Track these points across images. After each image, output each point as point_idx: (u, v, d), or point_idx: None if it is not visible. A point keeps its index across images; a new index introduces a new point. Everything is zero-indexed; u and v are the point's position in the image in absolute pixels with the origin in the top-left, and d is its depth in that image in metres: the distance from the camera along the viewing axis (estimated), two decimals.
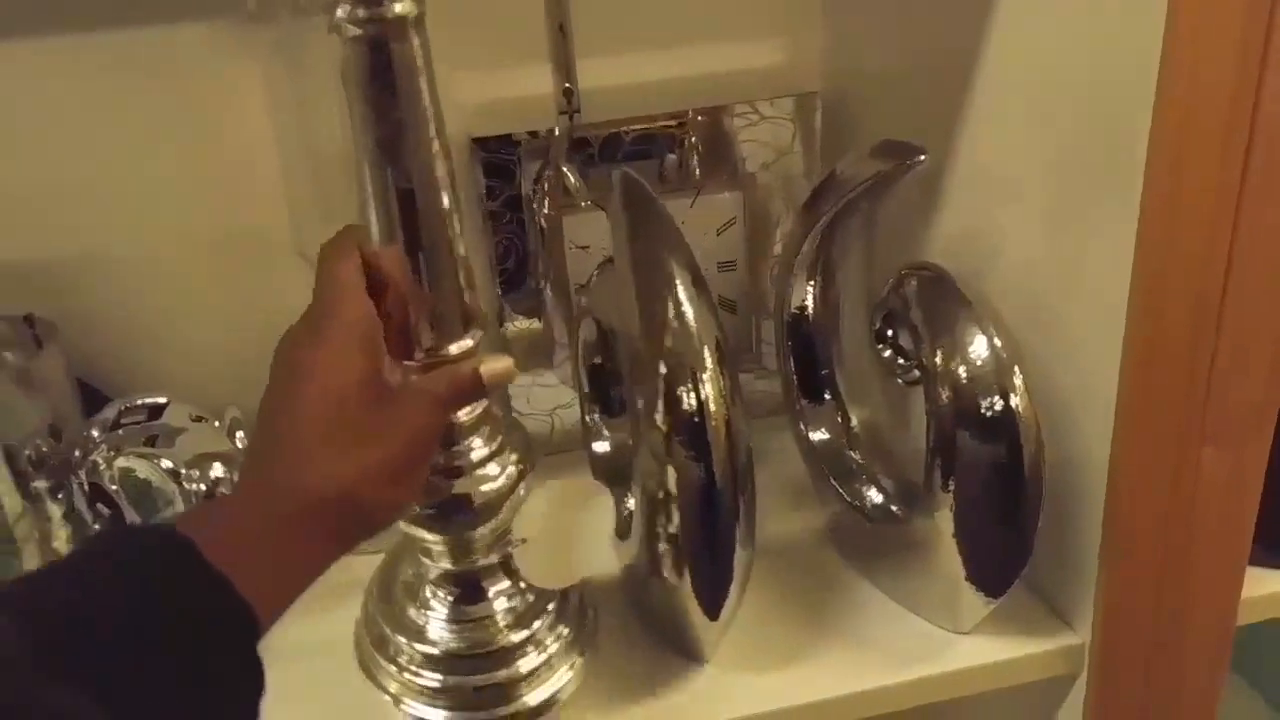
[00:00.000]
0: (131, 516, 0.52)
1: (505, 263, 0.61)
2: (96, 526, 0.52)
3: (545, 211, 0.60)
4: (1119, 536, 0.43)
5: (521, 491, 0.45)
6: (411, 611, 0.47)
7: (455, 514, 0.43)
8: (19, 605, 0.28)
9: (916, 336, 0.45)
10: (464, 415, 0.43)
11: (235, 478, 0.52)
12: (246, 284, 0.63)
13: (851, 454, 0.53)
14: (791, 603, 0.51)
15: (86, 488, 0.53)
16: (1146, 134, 0.37)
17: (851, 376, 0.53)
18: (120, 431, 0.54)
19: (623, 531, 0.50)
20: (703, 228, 0.61)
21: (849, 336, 0.52)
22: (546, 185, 0.59)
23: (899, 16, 0.56)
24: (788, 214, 0.62)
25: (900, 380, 0.48)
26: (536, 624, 0.47)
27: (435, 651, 0.46)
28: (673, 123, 0.60)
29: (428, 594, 0.47)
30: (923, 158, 0.45)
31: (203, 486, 0.52)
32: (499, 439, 0.44)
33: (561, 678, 0.47)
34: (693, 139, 0.60)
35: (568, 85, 0.62)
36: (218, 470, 0.52)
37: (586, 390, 0.55)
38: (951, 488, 0.43)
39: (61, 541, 0.55)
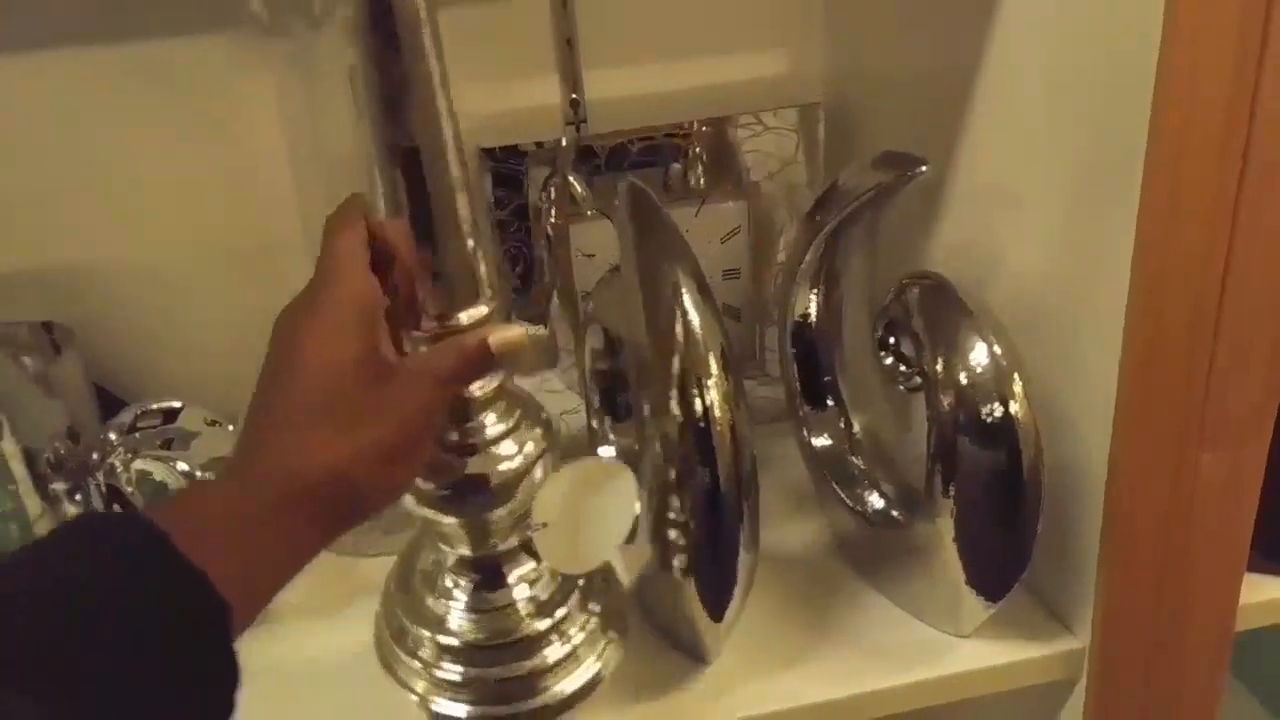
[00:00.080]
0: None
1: (513, 270, 0.61)
2: None
3: (552, 220, 0.61)
4: (1118, 541, 0.44)
5: (539, 472, 0.43)
6: (430, 601, 0.46)
7: (470, 495, 0.42)
8: None
9: (918, 344, 0.46)
10: (478, 390, 0.41)
11: None
12: (260, 291, 0.63)
13: (854, 460, 0.53)
14: (794, 605, 0.51)
15: (104, 490, 0.54)
16: (1144, 143, 0.38)
17: (854, 383, 0.54)
18: (137, 435, 0.55)
19: (629, 534, 0.51)
20: (707, 236, 0.62)
21: (851, 344, 0.53)
22: (553, 194, 0.60)
23: (900, 28, 0.57)
24: (791, 223, 0.63)
25: (902, 387, 0.48)
26: (561, 611, 0.45)
27: (455, 643, 0.45)
28: (678, 133, 0.60)
29: (447, 582, 0.46)
30: (924, 168, 0.45)
31: None
32: (515, 415, 0.43)
33: (589, 669, 0.45)
34: (697, 149, 0.61)
35: (574, 96, 0.63)
36: None
37: (593, 396, 0.56)
38: (952, 493, 0.44)
39: None
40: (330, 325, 0.33)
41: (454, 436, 0.41)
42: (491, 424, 0.42)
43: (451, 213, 0.38)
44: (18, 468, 0.53)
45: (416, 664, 0.45)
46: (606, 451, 0.55)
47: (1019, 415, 0.42)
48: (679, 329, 0.42)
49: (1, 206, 0.60)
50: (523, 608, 0.45)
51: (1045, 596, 0.49)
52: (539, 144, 0.59)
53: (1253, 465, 0.42)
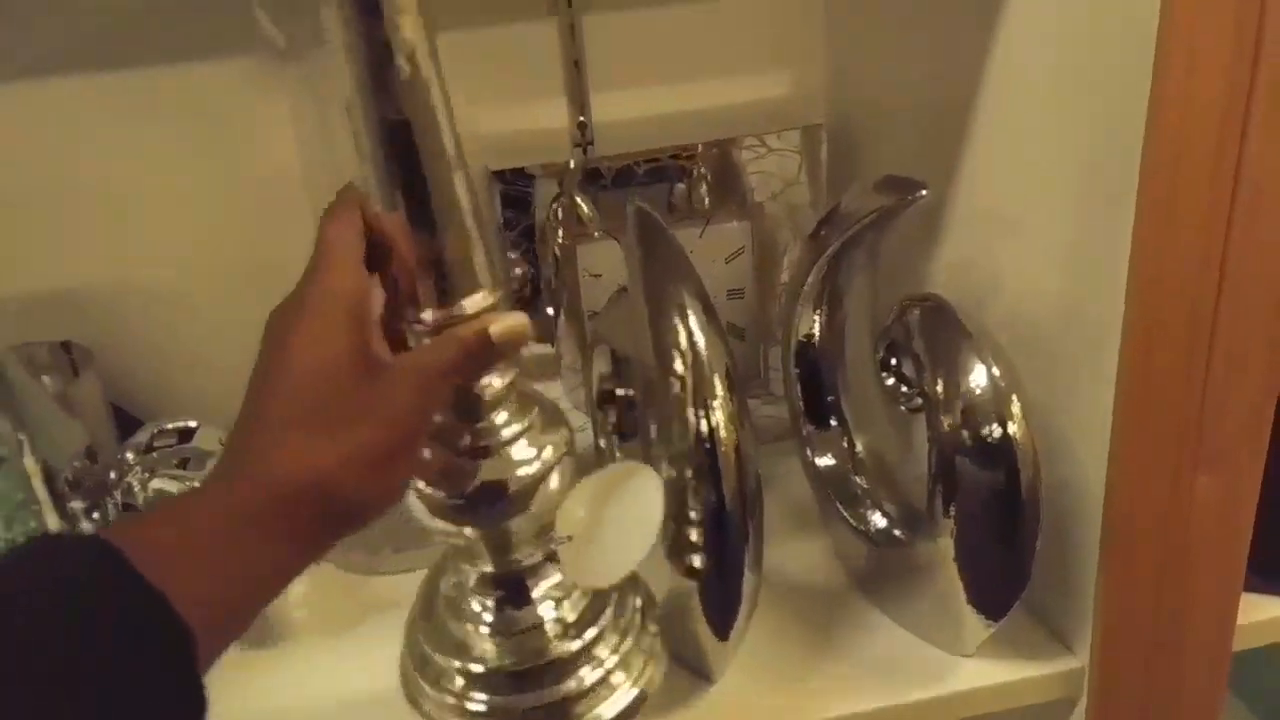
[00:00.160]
0: None
1: (520, 291, 0.62)
2: None
3: (560, 240, 0.61)
4: (1116, 561, 0.44)
5: (559, 478, 0.40)
6: (453, 626, 0.43)
7: (486, 502, 0.39)
8: None
9: (918, 365, 0.46)
10: (487, 386, 0.38)
11: None
12: None
13: (857, 479, 0.54)
14: (798, 624, 0.52)
15: (121, 508, 0.55)
16: (1138, 170, 0.38)
17: (857, 403, 0.54)
18: (154, 454, 0.56)
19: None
20: (712, 256, 0.63)
21: (854, 364, 0.53)
22: (561, 215, 0.61)
23: (901, 52, 0.58)
24: (795, 243, 0.63)
25: (903, 408, 0.49)
26: (592, 631, 0.42)
27: (481, 669, 0.42)
28: (683, 155, 0.61)
29: (469, 605, 0.43)
30: (924, 193, 0.46)
31: None
32: (531, 416, 0.40)
33: (627, 692, 0.42)
34: (702, 170, 0.62)
35: (582, 119, 0.63)
36: None
37: (600, 414, 0.56)
38: (952, 513, 0.44)
39: None
40: (316, 321, 0.31)
41: (465, 440, 0.38)
42: (506, 425, 0.39)
43: (448, 191, 0.35)
44: (38, 486, 0.54)
45: (441, 695, 0.43)
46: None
47: (1017, 436, 0.42)
48: (685, 350, 0.43)
49: (22, 228, 0.61)
50: (551, 628, 0.42)
51: (1046, 616, 0.50)
52: (547, 166, 0.60)
53: (1248, 487, 0.42)
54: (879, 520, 0.52)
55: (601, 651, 0.42)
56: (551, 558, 0.42)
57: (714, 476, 0.42)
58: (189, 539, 0.29)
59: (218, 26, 0.58)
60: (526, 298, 0.63)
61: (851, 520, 0.53)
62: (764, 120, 0.63)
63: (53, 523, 0.55)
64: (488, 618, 0.43)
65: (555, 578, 0.43)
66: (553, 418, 0.41)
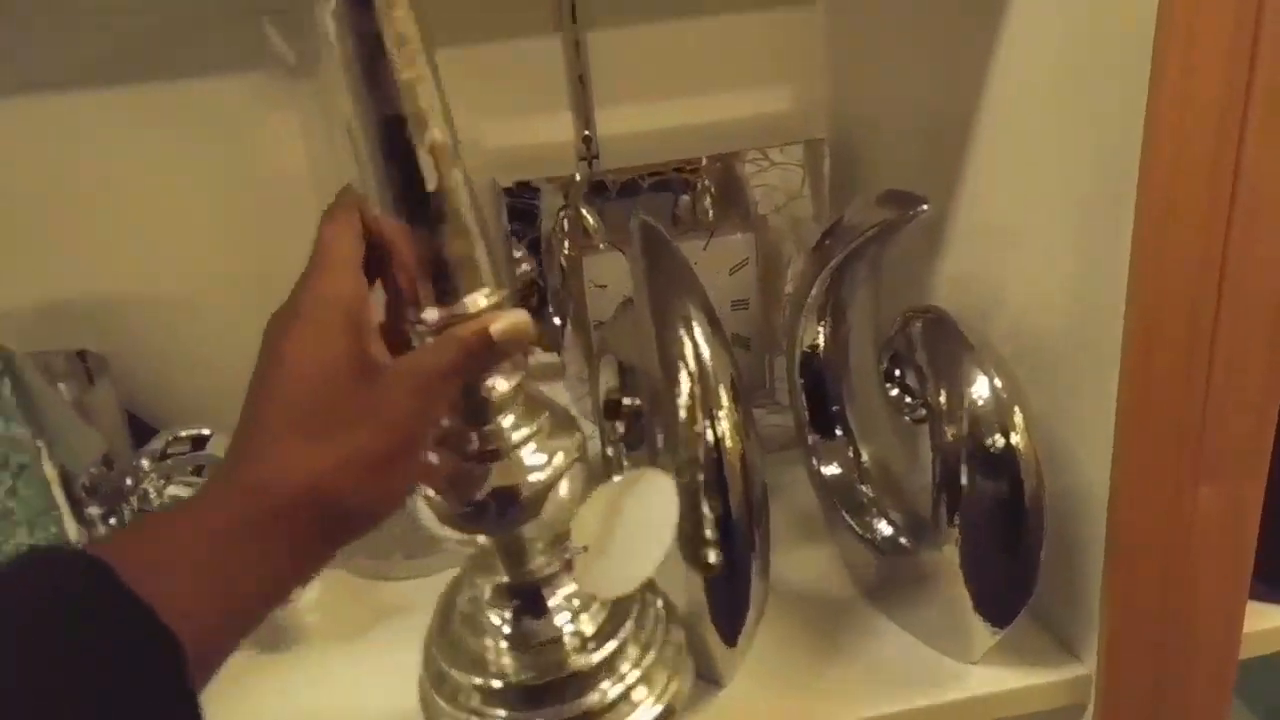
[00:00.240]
0: None
1: (528, 301, 0.63)
2: None
3: (566, 252, 0.62)
4: (1120, 570, 0.44)
5: (569, 484, 0.39)
6: (469, 641, 0.42)
7: (497, 508, 0.38)
8: None
9: (921, 376, 0.47)
10: (494, 388, 0.37)
11: None
12: None
13: (862, 488, 0.54)
14: (805, 630, 0.52)
15: (137, 514, 0.55)
16: (1135, 184, 0.39)
17: (862, 413, 0.54)
18: (169, 461, 0.57)
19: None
20: (716, 268, 0.63)
21: (858, 374, 0.54)
22: (567, 227, 0.62)
23: (902, 68, 0.58)
24: (798, 255, 0.64)
25: (907, 418, 0.49)
26: (612, 644, 0.41)
27: (498, 684, 0.41)
28: (687, 168, 0.62)
29: (486, 619, 0.42)
30: (925, 207, 0.46)
31: None
32: (541, 419, 0.39)
33: (651, 708, 0.41)
34: (706, 183, 0.62)
35: (587, 133, 0.64)
36: None
37: (606, 424, 0.57)
38: (957, 522, 0.45)
39: None
40: (310, 326, 0.31)
41: (474, 444, 0.37)
42: (515, 429, 0.38)
43: (445, 188, 0.34)
44: (58, 493, 0.54)
45: (459, 712, 0.42)
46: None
47: (1020, 446, 0.43)
48: (690, 361, 0.43)
49: (39, 239, 0.62)
50: (570, 641, 0.41)
51: (1052, 624, 0.50)
52: (553, 179, 0.61)
53: (1251, 497, 0.43)
54: (885, 529, 0.53)
55: (623, 665, 0.41)
56: (567, 568, 0.41)
57: (721, 485, 0.43)
58: (180, 551, 0.28)
59: (231, 44, 0.59)
60: (533, 307, 0.63)
61: (857, 529, 0.53)
62: (767, 134, 0.64)
63: (71, 529, 0.56)
64: (505, 631, 0.42)
65: (572, 588, 0.42)
66: (564, 422, 0.40)
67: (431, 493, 0.39)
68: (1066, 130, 0.44)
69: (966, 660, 0.49)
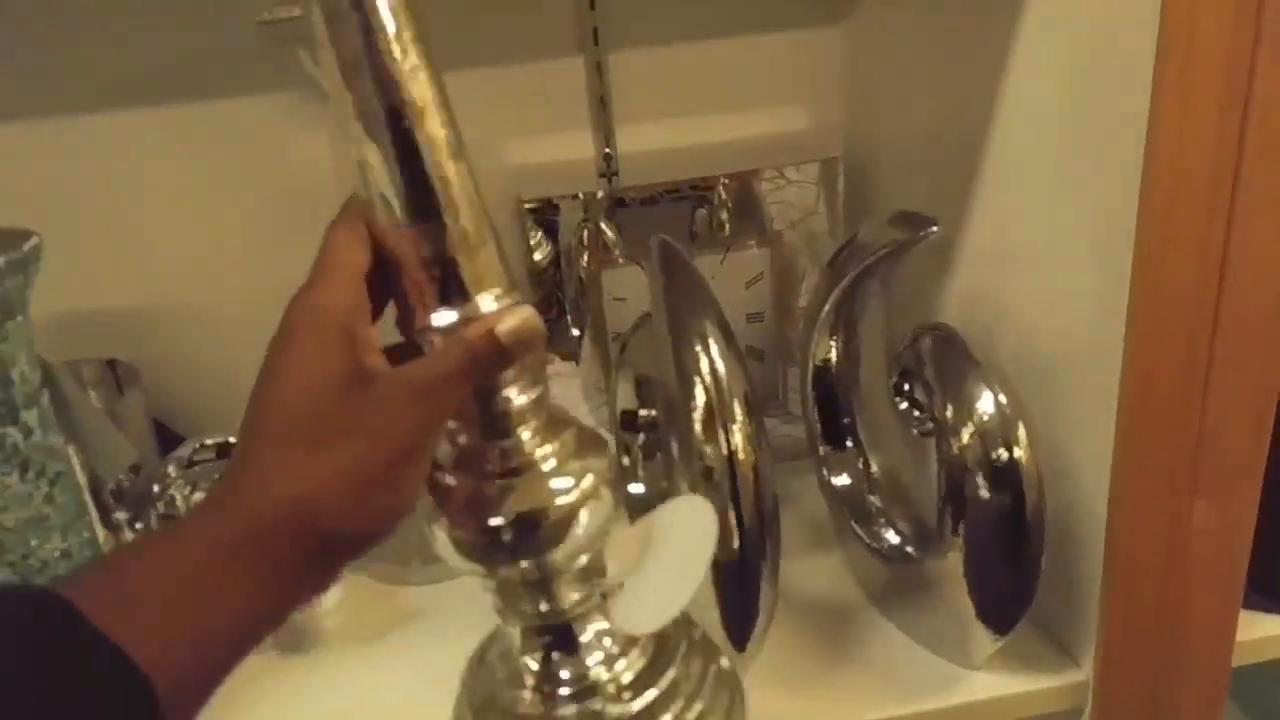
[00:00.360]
0: None
1: (547, 315, 0.65)
2: None
3: (585, 265, 0.64)
4: (1118, 580, 0.46)
5: (596, 510, 0.34)
6: (499, 693, 0.38)
7: (516, 533, 0.33)
8: None
9: (930, 391, 0.48)
10: (513, 399, 0.33)
11: None
12: None
13: (871, 498, 0.55)
14: (813, 636, 0.53)
15: (162, 519, 0.57)
16: (1135, 209, 0.40)
17: (872, 425, 0.56)
18: (195, 468, 0.58)
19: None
20: (733, 281, 0.65)
21: (869, 388, 0.55)
22: (586, 242, 0.63)
23: (915, 90, 0.60)
24: (812, 270, 0.66)
25: (916, 431, 0.51)
26: (653, 693, 0.37)
27: None
28: (704, 186, 0.63)
29: (515, 666, 0.38)
30: (935, 229, 0.48)
31: None
32: (566, 436, 0.35)
33: None
34: (724, 198, 0.64)
35: (608, 151, 0.66)
36: None
37: (623, 435, 0.58)
38: (961, 532, 0.46)
39: None
40: (301, 336, 0.29)
41: (492, 462, 0.34)
42: (537, 445, 0.34)
43: (445, 182, 0.31)
44: (88, 500, 0.56)
45: None
46: (635, 488, 0.57)
47: (1023, 460, 0.44)
48: (706, 376, 0.45)
49: (72, 251, 0.63)
50: (607, 688, 0.36)
51: (1052, 631, 0.51)
52: (574, 195, 0.62)
53: (1244, 510, 0.44)
54: (892, 538, 0.54)
55: (666, 716, 0.37)
56: (601, 609, 0.37)
57: (734, 494, 0.44)
58: (153, 583, 0.26)
59: (263, 67, 0.61)
60: (552, 318, 0.65)
61: (866, 537, 0.54)
62: (783, 153, 0.65)
63: (100, 534, 0.57)
64: (531, 680, 0.37)
65: (604, 625, 0.37)
66: (592, 441, 0.36)
67: (447, 520, 0.34)
68: (1071, 155, 0.45)
69: (969, 666, 0.50)
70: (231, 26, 0.59)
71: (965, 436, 0.45)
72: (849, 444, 0.56)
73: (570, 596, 0.36)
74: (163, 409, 0.65)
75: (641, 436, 0.57)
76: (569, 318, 0.65)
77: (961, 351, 0.47)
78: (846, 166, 0.64)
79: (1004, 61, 0.48)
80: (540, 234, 0.63)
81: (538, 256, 0.64)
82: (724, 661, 0.40)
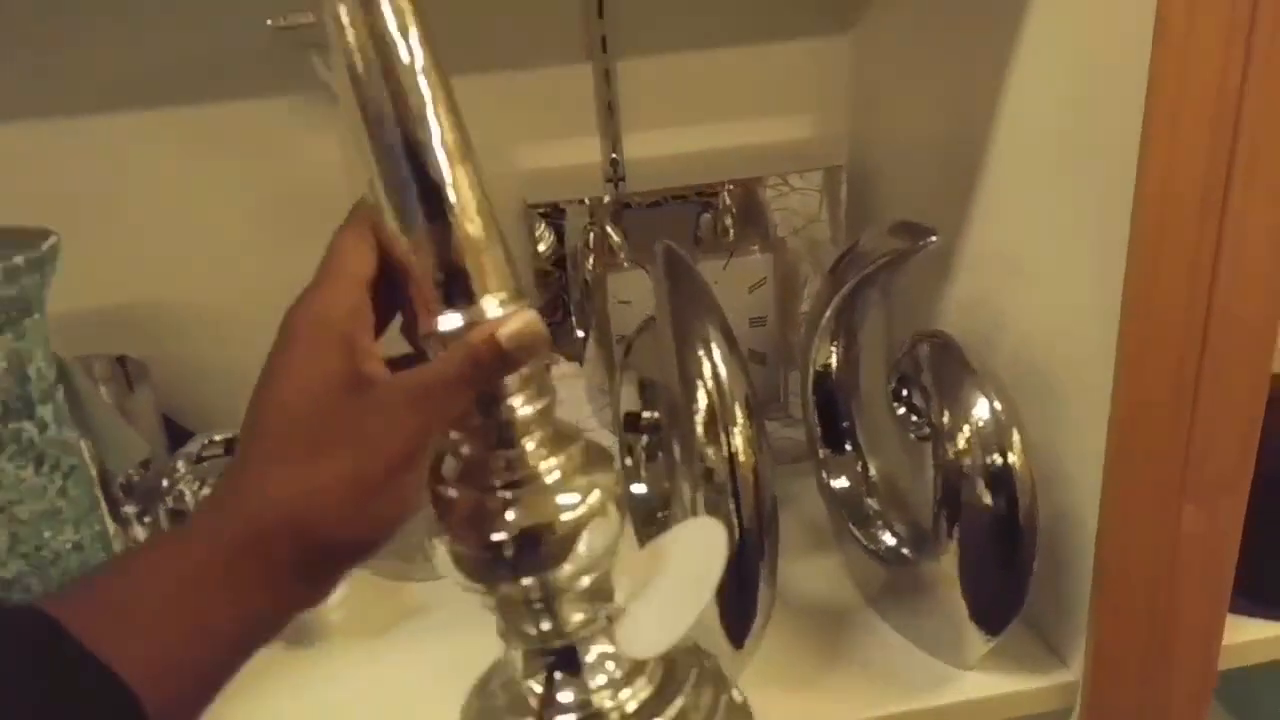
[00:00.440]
0: None
1: (552, 317, 0.65)
2: None
3: (591, 269, 0.64)
4: (1108, 583, 0.46)
5: (603, 526, 0.33)
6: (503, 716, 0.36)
7: (519, 548, 0.32)
8: None
9: (927, 397, 0.49)
10: (519, 407, 0.32)
11: None
12: None
13: (869, 501, 0.56)
14: (810, 635, 0.54)
15: (171, 513, 0.58)
16: (1129, 221, 0.41)
17: (870, 429, 0.57)
18: (204, 464, 0.59)
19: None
20: (736, 286, 0.65)
21: (868, 393, 0.56)
22: (592, 245, 0.64)
23: (917, 100, 0.61)
24: (814, 275, 0.66)
25: (913, 435, 0.52)
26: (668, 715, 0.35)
27: None
28: (709, 191, 0.64)
29: (517, 692, 0.36)
30: (934, 239, 0.49)
31: None
32: (572, 449, 0.34)
33: None
34: (728, 203, 0.65)
35: (614, 156, 0.67)
36: None
37: (627, 436, 0.59)
38: (956, 535, 0.47)
39: None
40: (299, 341, 0.28)
41: (495, 474, 0.33)
42: (542, 458, 0.33)
43: (450, 184, 0.31)
44: (99, 494, 0.57)
45: None
46: (638, 489, 0.58)
47: (1017, 466, 0.45)
48: (708, 379, 0.45)
49: (84, 249, 0.64)
50: (612, 716, 0.35)
51: (1043, 632, 0.52)
52: (581, 200, 0.63)
53: (1232, 516, 0.45)
54: (889, 540, 0.55)
55: None
56: (606, 632, 0.36)
57: (734, 496, 0.45)
58: (146, 592, 0.26)
59: (275, 69, 0.61)
60: (558, 321, 0.66)
61: (863, 539, 0.55)
62: (787, 161, 0.66)
63: (110, 529, 0.58)
64: (535, 705, 0.36)
65: (609, 649, 0.36)
66: (598, 455, 0.35)
67: (448, 535, 0.34)
68: (1068, 169, 0.46)
69: (962, 666, 0.51)
70: (245, 29, 0.59)
71: (961, 442, 0.46)
72: (848, 447, 0.57)
73: (574, 617, 0.35)
74: (172, 405, 0.66)
75: (644, 438, 0.58)
76: (574, 320, 0.66)
77: (958, 359, 0.48)
78: (850, 175, 0.65)
79: (1004, 76, 0.49)
80: (548, 236, 0.64)
81: (544, 257, 0.64)
82: (736, 694, 0.39)
